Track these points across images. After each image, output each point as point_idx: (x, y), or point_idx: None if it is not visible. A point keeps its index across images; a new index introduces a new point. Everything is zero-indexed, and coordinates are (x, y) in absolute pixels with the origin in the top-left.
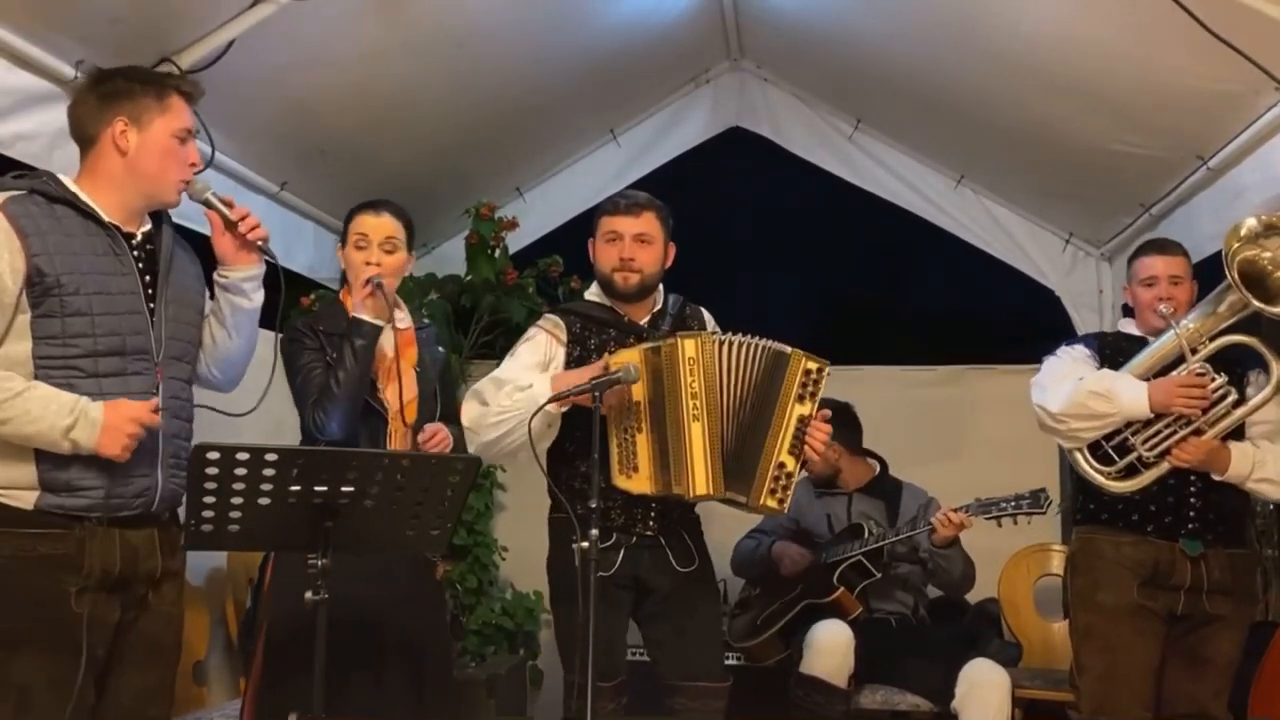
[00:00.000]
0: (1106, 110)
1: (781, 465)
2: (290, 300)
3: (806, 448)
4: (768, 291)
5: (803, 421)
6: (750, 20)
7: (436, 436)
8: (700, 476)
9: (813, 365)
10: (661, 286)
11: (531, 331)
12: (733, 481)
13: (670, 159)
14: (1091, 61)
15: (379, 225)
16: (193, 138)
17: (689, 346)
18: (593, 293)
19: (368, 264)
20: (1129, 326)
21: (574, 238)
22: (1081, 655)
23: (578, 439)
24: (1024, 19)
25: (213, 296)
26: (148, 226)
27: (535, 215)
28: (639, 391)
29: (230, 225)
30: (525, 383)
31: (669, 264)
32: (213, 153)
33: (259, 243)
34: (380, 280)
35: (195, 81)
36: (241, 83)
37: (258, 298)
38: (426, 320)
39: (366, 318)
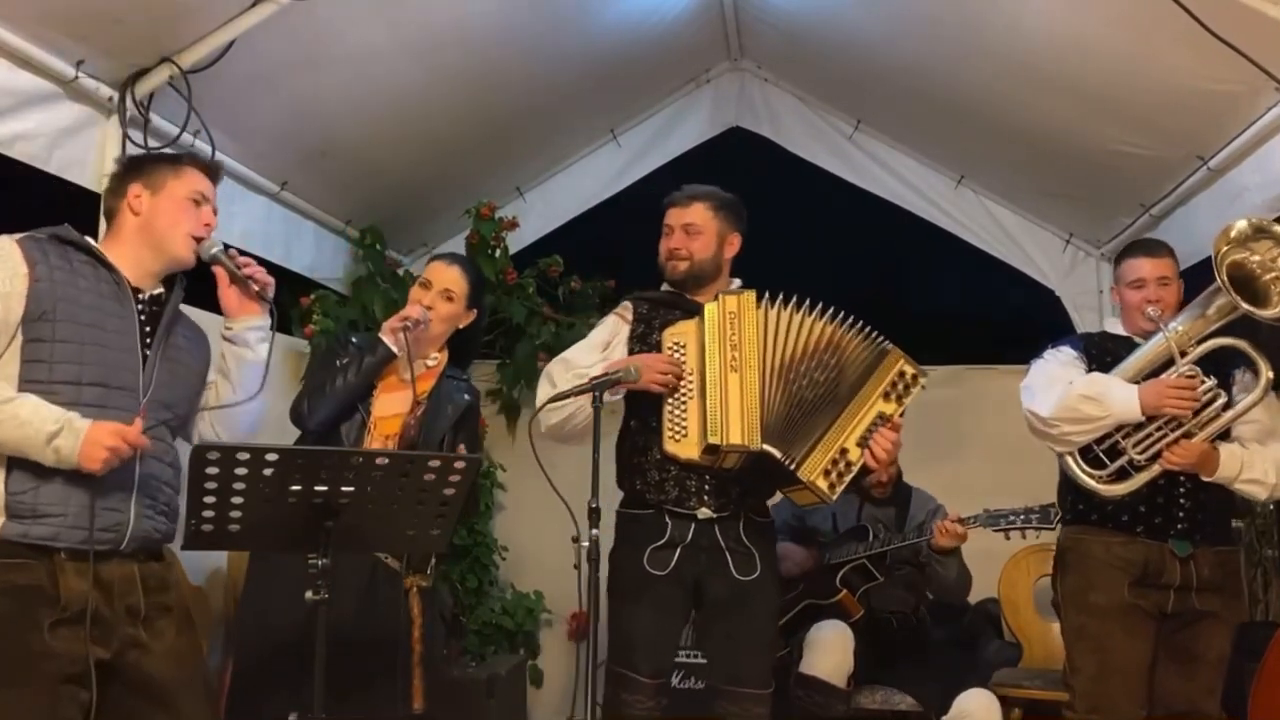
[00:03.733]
0: (1106, 110)
1: (844, 451)
2: (290, 300)
3: (873, 447)
4: (767, 291)
5: (881, 418)
6: (750, 20)
7: None
8: (735, 425)
9: (909, 369)
10: (735, 278)
11: (607, 316)
12: (774, 439)
13: (670, 159)
14: (1092, 61)
15: (444, 274)
16: (208, 204)
17: (729, 302)
18: (668, 286)
19: (421, 304)
20: (1115, 326)
21: (574, 238)
22: (1074, 655)
23: (639, 416)
24: (1024, 19)
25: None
26: (160, 290)
27: (535, 215)
28: (692, 361)
29: (237, 279)
30: (586, 365)
31: (730, 253)
32: (213, 153)
33: (259, 289)
34: (411, 324)
35: (219, 163)
36: (241, 83)
37: (261, 350)
38: (461, 378)
39: (387, 341)
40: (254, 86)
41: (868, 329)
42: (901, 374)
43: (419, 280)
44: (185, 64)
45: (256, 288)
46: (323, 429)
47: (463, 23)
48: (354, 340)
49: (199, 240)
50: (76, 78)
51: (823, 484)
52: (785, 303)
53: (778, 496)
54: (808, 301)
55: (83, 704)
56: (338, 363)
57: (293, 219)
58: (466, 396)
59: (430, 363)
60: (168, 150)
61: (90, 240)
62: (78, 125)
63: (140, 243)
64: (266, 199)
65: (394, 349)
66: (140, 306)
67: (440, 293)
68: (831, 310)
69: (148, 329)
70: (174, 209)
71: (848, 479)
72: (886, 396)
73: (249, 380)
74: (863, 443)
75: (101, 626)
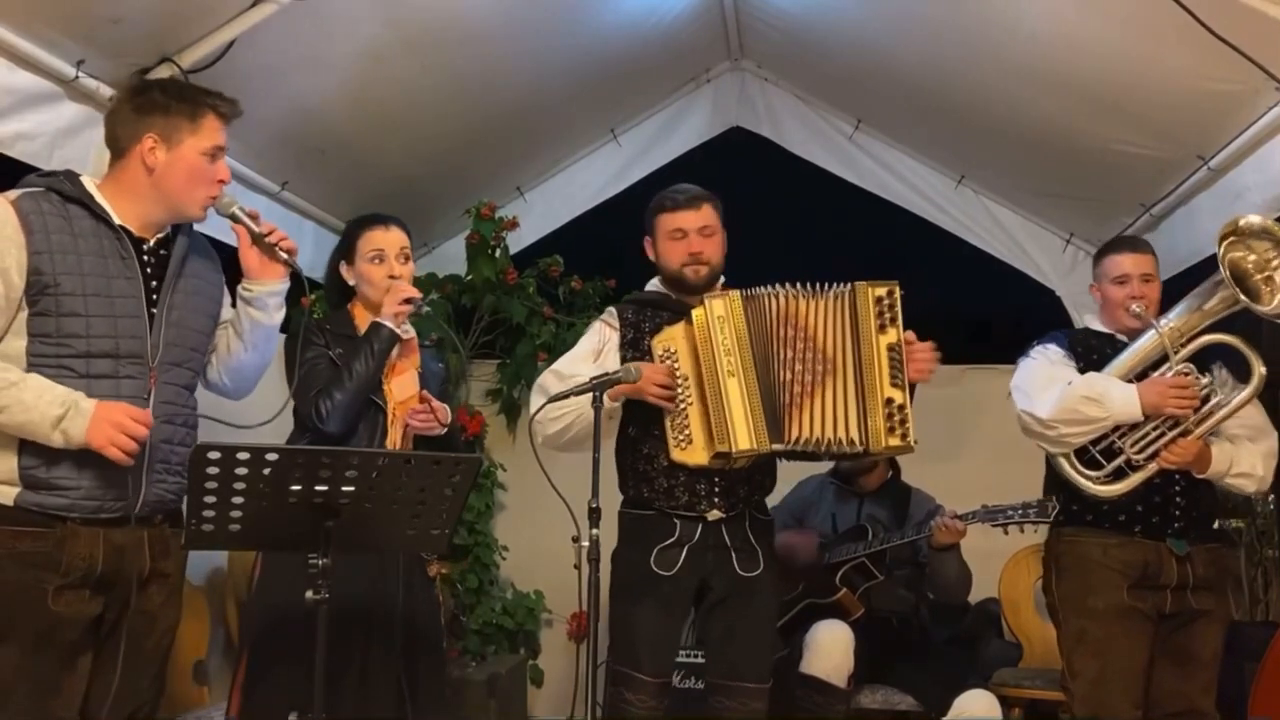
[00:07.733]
0: (1107, 110)
1: (889, 400)
2: (290, 300)
3: (909, 371)
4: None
5: (893, 350)
6: (750, 20)
7: (436, 411)
8: (741, 430)
9: (881, 290)
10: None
11: (593, 324)
12: (780, 436)
13: (670, 159)
14: (1092, 61)
15: (391, 239)
16: (223, 154)
17: (716, 306)
18: (653, 285)
19: (391, 276)
20: (1094, 323)
21: (574, 238)
22: (1074, 660)
23: (639, 423)
24: (1025, 19)
25: (234, 305)
26: (165, 233)
27: (536, 215)
28: (687, 367)
29: (258, 239)
30: (579, 374)
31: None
32: None
33: (286, 255)
34: (417, 304)
35: (234, 101)
36: (241, 83)
37: (278, 315)
38: (427, 344)
39: (388, 324)
40: (254, 86)
41: (823, 286)
42: (879, 300)
43: (369, 256)
44: (185, 63)
45: (284, 255)
46: (345, 426)
47: (463, 22)
48: (328, 326)
49: (212, 198)
50: (77, 77)
51: (895, 441)
52: (760, 297)
53: (777, 496)
54: (778, 285)
55: (74, 656)
56: (329, 354)
57: (293, 219)
58: (440, 364)
59: (407, 335)
60: (188, 84)
61: (93, 194)
62: (78, 125)
63: (150, 198)
64: (267, 199)
65: (400, 333)
66: (147, 258)
67: (397, 256)
68: (791, 287)
69: (153, 283)
70: (189, 171)
71: (908, 421)
72: (883, 329)
73: (261, 342)
74: (895, 382)
75: (107, 588)
